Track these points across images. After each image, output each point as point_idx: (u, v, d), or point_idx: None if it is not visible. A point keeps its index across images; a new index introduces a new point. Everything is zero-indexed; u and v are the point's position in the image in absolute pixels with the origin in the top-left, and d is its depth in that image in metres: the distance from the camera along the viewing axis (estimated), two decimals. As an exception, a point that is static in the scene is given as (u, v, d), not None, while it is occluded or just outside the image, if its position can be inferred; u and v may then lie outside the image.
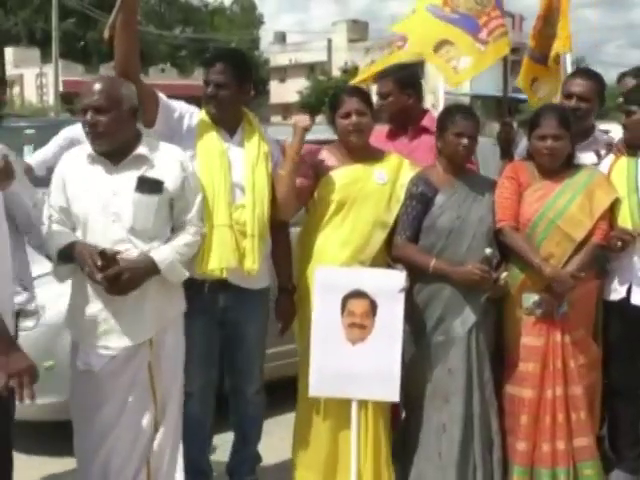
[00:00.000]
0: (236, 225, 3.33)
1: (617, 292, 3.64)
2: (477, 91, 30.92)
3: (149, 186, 3.08)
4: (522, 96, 5.36)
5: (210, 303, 3.37)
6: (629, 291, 3.60)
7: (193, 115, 3.47)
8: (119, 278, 2.95)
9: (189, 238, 3.20)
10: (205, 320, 3.35)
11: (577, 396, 3.51)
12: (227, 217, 3.32)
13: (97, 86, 3.07)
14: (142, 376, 3.15)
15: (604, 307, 3.71)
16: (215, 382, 3.63)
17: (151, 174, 3.10)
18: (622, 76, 4.34)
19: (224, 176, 3.35)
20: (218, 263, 3.29)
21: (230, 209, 3.33)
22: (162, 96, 3.41)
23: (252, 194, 3.38)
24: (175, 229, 3.22)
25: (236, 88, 3.41)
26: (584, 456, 3.53)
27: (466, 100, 35.41)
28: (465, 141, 3.46)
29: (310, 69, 45.87)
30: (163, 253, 3.09)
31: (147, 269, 3.05)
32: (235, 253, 3.32)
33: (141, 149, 3.13)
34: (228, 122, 3.47)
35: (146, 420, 3.18)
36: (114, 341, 3.08)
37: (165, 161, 3.16)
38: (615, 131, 4.35)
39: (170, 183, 3.13)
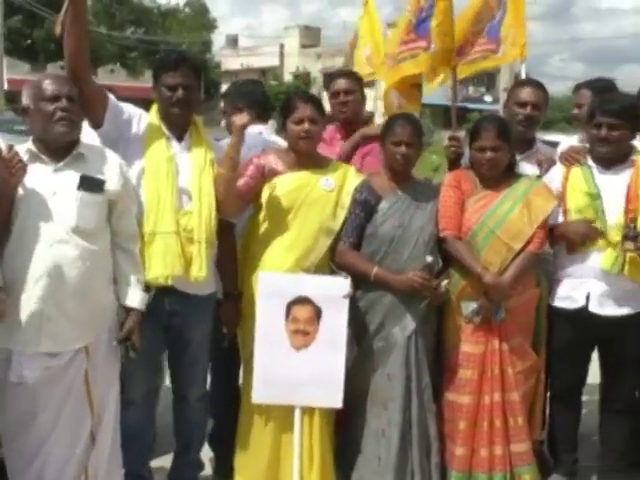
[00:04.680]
0: (183, 232, 3.31)
1: (573, 300, 3.69)
2: (426, 100, 31.25)
3: (91, 185, 3.07)
4: (471, 105, 5.47)
5: (155, 308, 3.33)
6: (586, 299, 3.64)
7: (142, 118, 3.44)
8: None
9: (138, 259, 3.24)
10: (150, 325, 3.31)
11: (514, 402, 3.57)
12: (173, 223, 3.29)
13: (62, 78, 3.11)
14: (78, 385, 3.11)
15: (550, 313, 3.77)
16: (159, 388, 3.60)
17: (91, 174, 3.08)
18: (578, 87, 4.41)
19: (171, 182, 3.33)
20: (163, 270, 3.27)
21: (177, 215, 3.31)
22: (111, 97, 3.38)
23: (199, 200, 3.36)
24: (113, 233, 3.20)
25: (198, 90, 3.44)
26: (521, 461, 3.60)
27: (417, 107, 35.89)
28: (403, 149, 3.50)
29: (262, 74, 45.76)
30: (137, 295, 3.21)
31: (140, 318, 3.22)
32: (181, 260, 3.29)
33: (82, 148, 3.12)
34: (181, 127, 3.45)
35: (82, 430, 3.14)
36: (52, 346, 3.02)
37: (105, 162, 3.15)
38: (564, 143, 4.40)
39: (110, 184, 3.12)
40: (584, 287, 3.64)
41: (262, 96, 4.28)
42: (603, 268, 3.54)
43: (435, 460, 3.58)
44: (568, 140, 4.24)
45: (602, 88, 4.22)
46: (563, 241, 3.66)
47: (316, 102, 3.60)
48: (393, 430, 3.49)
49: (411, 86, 4.66)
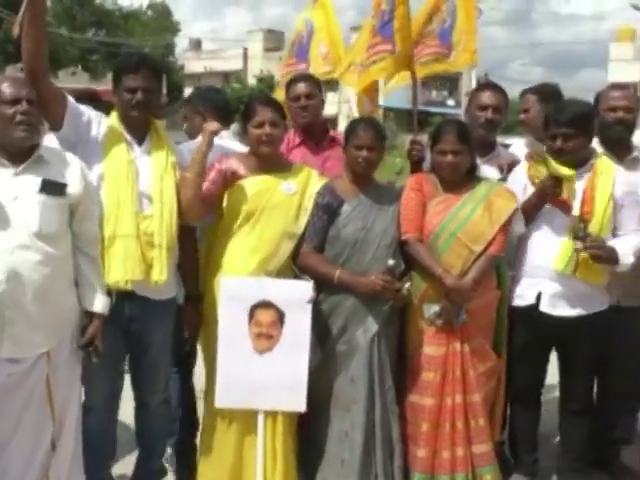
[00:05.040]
0: (143, 236, 3.29)
1: (524, 298, 3.74)
2: (390, 103, 31.41)
3: (53, 188, 3.03)
4: (433, 109, 5.53)
5: (116, 312, 3.30)
6: (538, 298, 3.70)
7: (101, 121, 3.41)
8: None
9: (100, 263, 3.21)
10: (110, 330, 3.28)
11: (476, 403, 3.61)
12: (134, 227, 3.27)
13: (21, 80, 3.06)
14: (40, 390, 3.07)
15: (510, 313, 3.81)
16: (120, 394, 3.57)
17: (53, 177, 3.05)
18: (524, 93, 4.46)
19: (131, 185, 3.30)
20: (122, 275, 3.24)
21: (137, 219, 3.28)
22: (71, 99, 3.34)
23: (160, 204, 3.34)
24: (75, 236, 3.16)
25: (158, 93, 3.42)
26: (483, 462, 3.64)
27: (379, 112, 36.09)
28: (364, 153, 3.53)
29: (225, 77, 45.65)
30: (100, 299, 3.19)
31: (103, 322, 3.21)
32: (141, 264, 3.27)
33: (42, 151, 3.08)
34: (141, 130, 3.42)
35: (44, 435, 3.10)
36: (15, 351, 2.97)
37: (66, 165, 3.12)
38: (516, 145, 4.46)
39: (72, 188, 3.09)
40: (537, 286, 3.69)
41: (223, 102, 4.31)
42: (556, 269, 3.59)
43: (398, 462, 3.59)
44: (518, 143, 4.29)
45: (548, 94, 4.28)
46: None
47: (277, 106, 3.61)
48: (357, 432, 3.51)
49: (375, 91, 4.71)
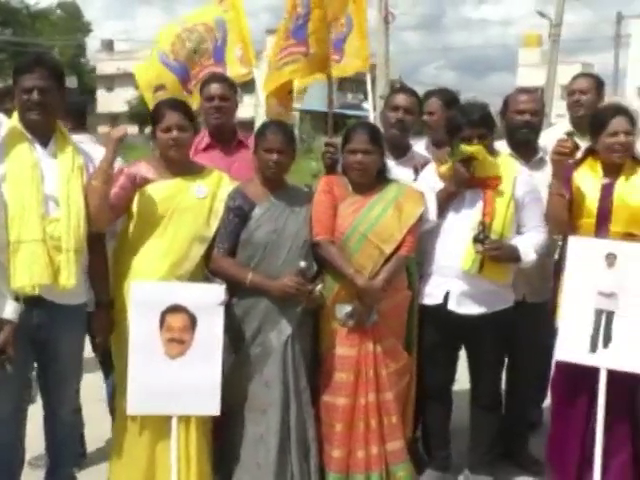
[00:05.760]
0: (50, 240, 3.21)
1: (432, 297, 3.81)
2: (307, 106, 31.58)
3: None
4: (349, 111, 5.60)
5: (23, 320, 3.20)
6: (445, 297, 3.77)
7: (2, 123, 3.31)
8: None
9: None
10: (17, 338, 3.17)
11: (388, 402, 3.66)
12: (39, 231, 3.18)
13: None
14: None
15: (420, 312, 3.87)
16: (28, 405, 3.46)
17: None
18: (427, 96, 4.55)
19: (36, 188, 3.22)
20: (29, 280, 3.15)
21: (43, 223, 3.20)
22: None
23: (67, 207, 3.27)
24: None
25: (58, 94, 3.32)
26: (396, 459, 3.70)
27: (295, 115, 36.12)
28: (274, 157, 3.54)
29: (139, 78, 44.89)
30: (9, 305, 3.11)
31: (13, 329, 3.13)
32: (49, 269, 3.19)
33: None
34: (43, 132, 3.33)
35: None
36: None
37: None
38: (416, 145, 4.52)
39: None
40: (444, 285, 3.77)
41: (80, 106, 4.24)
42: (462, 268, 3.68)
43: (314, 462, 3.62)
44: (417, 144, 4.38)
45: (451, 100, 4.40)
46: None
47: (185, 109, 3.59)
48: (271, 435, 3.51)
49: (287, 93, 4.73)
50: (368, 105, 5.44)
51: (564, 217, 3.65)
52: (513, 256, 3.69)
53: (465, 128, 3.68)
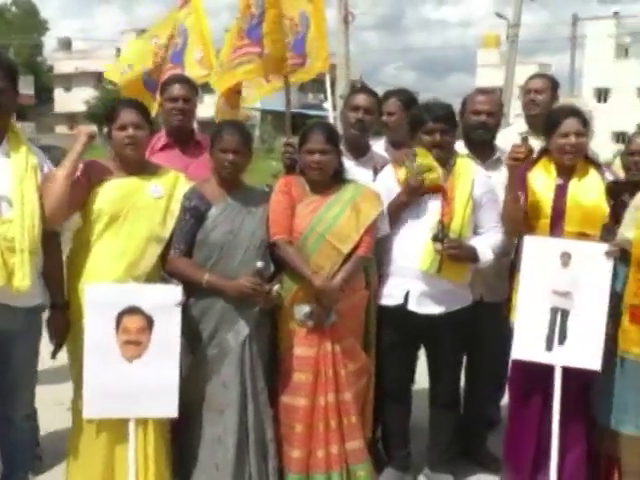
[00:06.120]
0: (3, 241, 3.16)
1: (392, 298, 3.81)
2: (268, 106, 31.56)
3: None
4: (310, 111, 5.60)
5: None
6: (405, 297, 3.78)
7: None
8: None
9: None
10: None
11: (348, 402, 3.66)
12: None
13: None
14: None
15: (378, 312, 3.87)
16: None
17: None
18: (386, 96, 4.56)
19: None
20: None
21: None
22: None
23: (21, 207, 3.22)
24: None
25: (12, 93, 3.28)
26: (356, 458, 3.70)
27: (257, 115, 36.08)
28: (230, 157, 3.53)
29: (98, 78, 44.42)
30: None
31: None
32: (2, 270, 3.14)
33: None
34: None
35: None
36: None
37: None
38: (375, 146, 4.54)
39: None
40: (404, 286, 3.78)
41: None
42: (421, 268, 3.70)
43: (272, 464, 3.61)
44: (377, 144, 4.39)
45: (410, 100, 4.42)
46: None
47: (141, 108, 3.57)
48: (229, 436, 3.50)
49: (235, 92, 4.71)
50: (328, 105, 5.44)
51: (519, 220, 3.69)
52: (471, 256, 3.73)
53: (428, 122, 3.71)
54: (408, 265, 3.73)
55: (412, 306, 3.77)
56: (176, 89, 4.13)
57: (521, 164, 3.66)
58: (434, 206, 3.72)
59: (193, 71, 5.07)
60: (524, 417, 3.76)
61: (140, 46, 5.42)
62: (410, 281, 3.75)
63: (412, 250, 3.71)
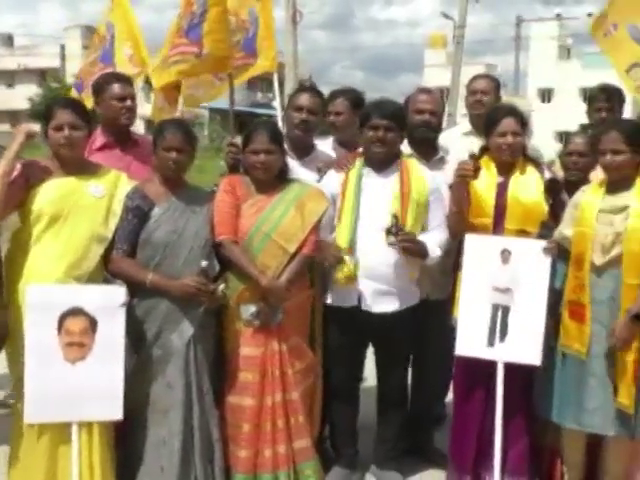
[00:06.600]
0: None
1: (345, 299, 3.80)
2: (216, 105, 31.26)
3: None
4: (259, 110, 5.59)
5: None
6: (358, 297, 3.77)
7: None
8: None
9: None
10: None
11: (295, 401, 3.67)
12: None
13: None
14: None
15: (326, 312, 3.88)
16: None
17: None
18: (334, 96, 4.57)
19: None
20: None
21: None
22: None
23: None
24: None
25: None
26: (304, 457, 3.71)
27: (205, 114, 35.75)
28: (174, 155, 3.50)
29: (42, 75, 43.57)
30: None
31: None
32: None
33: None
34: None
35: None
36: None
37: None
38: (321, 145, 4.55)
39: None
40: (356, 286, 3.76)
41: None
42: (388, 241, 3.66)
43: (219, 464, 3.59)
44: (323, 144, 4.41)
45: (358, 100, 4.41)
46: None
47: (78, 108, 3.52)
48: (175, 438, 3.47)
49: (173, 89, 4.67)
50: (277, 104, 5.44)
51: (463, 230, 3.72)
52: (422, 251, 3.75)
53: (374, 117, 3.73)
54: (361, 264, 3.71)
55: (366, 306, 3.78)
56: (119, 88, 4.06)
57: (469, 180, 3.71)
58: (385, 206, 3.73)
59: (125, 69, 4.98)
60: (468, 413, 3.81)
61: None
62: (362, 281, 3.75)
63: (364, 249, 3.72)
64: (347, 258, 3.62)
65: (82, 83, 5.07)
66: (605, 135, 3.45)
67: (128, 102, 4.05)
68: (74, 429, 3.31)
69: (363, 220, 3.74)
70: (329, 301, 3.85)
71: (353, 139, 4.09)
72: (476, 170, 3.72)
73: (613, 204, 3.43)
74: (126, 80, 4.20)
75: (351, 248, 3.68)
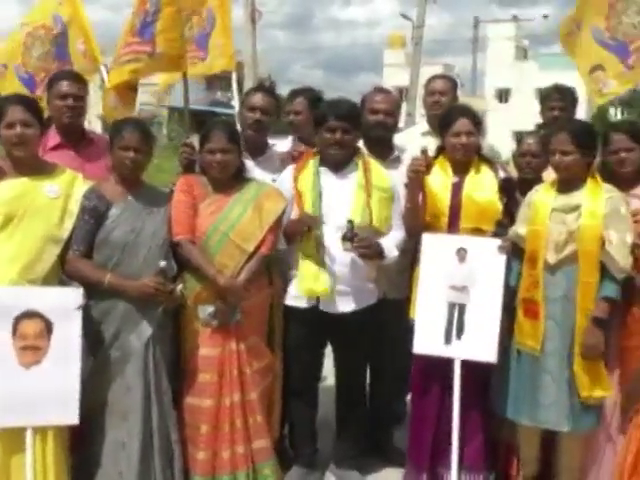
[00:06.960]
0: None
1: (303, 299, 3.80)
2: (176, 104, 31.06)
3: None
4: (218, 109, 5.57)
5: None
6: (317, 297, 3.77)
7: None
8: None
9: None
10: None
11: (253, 401, 3.67)
12: None
13: None
14: None
15: (285, 312, 3.88)
16: None
17: None
18: (294, 95, 4.59)
19: None
20: None
21: None
22: None
23: None
24: None
25: None
26: (262, 457, 3.71)
27: (164, 112, 35.45)
28: (131, 154, 3.48)
29: None
30: None
31: None
32: None
33: None
34: None
35: None
36: None
37: None
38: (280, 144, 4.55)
39: None
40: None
41: None
42: (358, 223, 3.66)
43: (178, 466, 3.57)
44: (282, 143, 4.41)
45: (316, 99, 4.46)
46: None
47: (30, 105, 3.45)
48: (133, 442, 3.44)
49: (128, 88, 4.63)
50: (236, 103, 5.43)
51: (419, 227, 3.76)
52: (379, 253, 3.77)
53: (330, 119, 3.74)
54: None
55: (324, 306, 3.79)
56: (65, 86, 3.99)
57: (422, 176, 3.74)
58: (342, 206, 3.74)
59: (80, 64, 4.92)
60: (425, 410, 3.84)
61: (11, 41, 5.18)
62: None
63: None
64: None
65: (34, 80, 4.96)
66: (555, 136, 3.52)
67: (69, 101, 3.97)
68: (28, 435, 3.25)
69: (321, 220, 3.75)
70: (288, 301, 3.86)
71: (312, 138, 4.10)
72: (428, 166, 3.76)
73: (565, 203, 3.50)
74: (75, 78, 4.11)
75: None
